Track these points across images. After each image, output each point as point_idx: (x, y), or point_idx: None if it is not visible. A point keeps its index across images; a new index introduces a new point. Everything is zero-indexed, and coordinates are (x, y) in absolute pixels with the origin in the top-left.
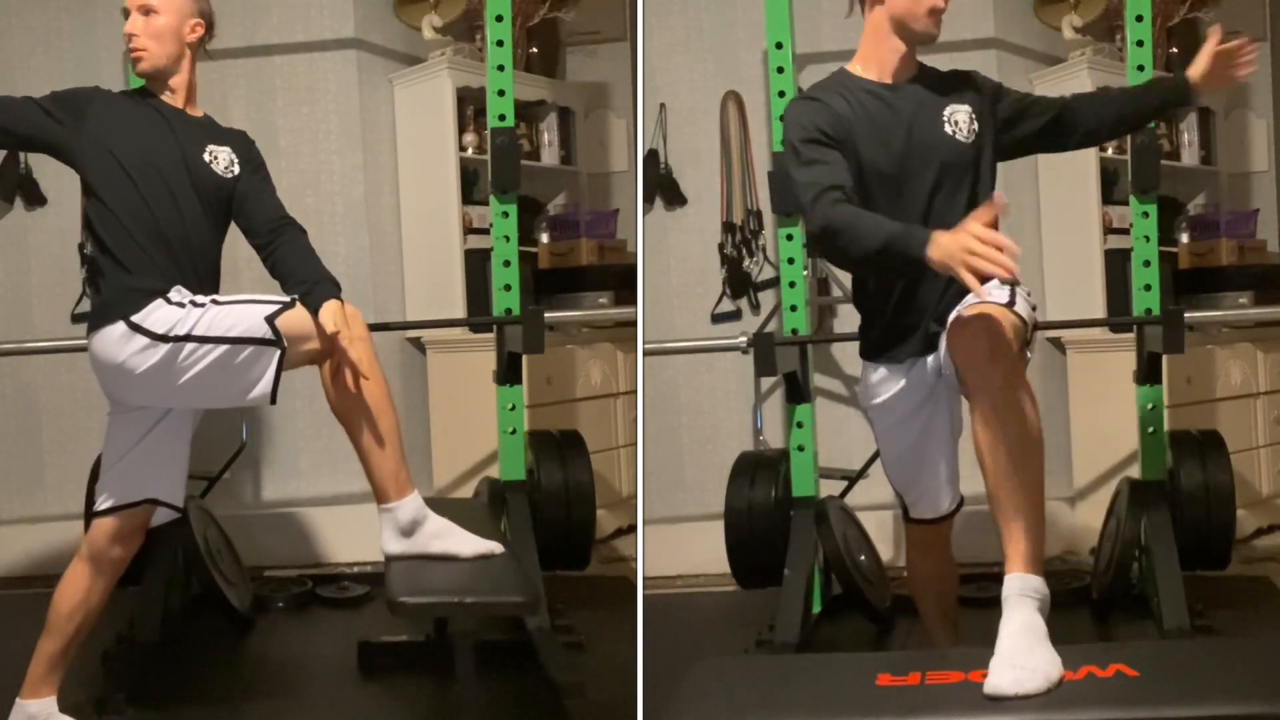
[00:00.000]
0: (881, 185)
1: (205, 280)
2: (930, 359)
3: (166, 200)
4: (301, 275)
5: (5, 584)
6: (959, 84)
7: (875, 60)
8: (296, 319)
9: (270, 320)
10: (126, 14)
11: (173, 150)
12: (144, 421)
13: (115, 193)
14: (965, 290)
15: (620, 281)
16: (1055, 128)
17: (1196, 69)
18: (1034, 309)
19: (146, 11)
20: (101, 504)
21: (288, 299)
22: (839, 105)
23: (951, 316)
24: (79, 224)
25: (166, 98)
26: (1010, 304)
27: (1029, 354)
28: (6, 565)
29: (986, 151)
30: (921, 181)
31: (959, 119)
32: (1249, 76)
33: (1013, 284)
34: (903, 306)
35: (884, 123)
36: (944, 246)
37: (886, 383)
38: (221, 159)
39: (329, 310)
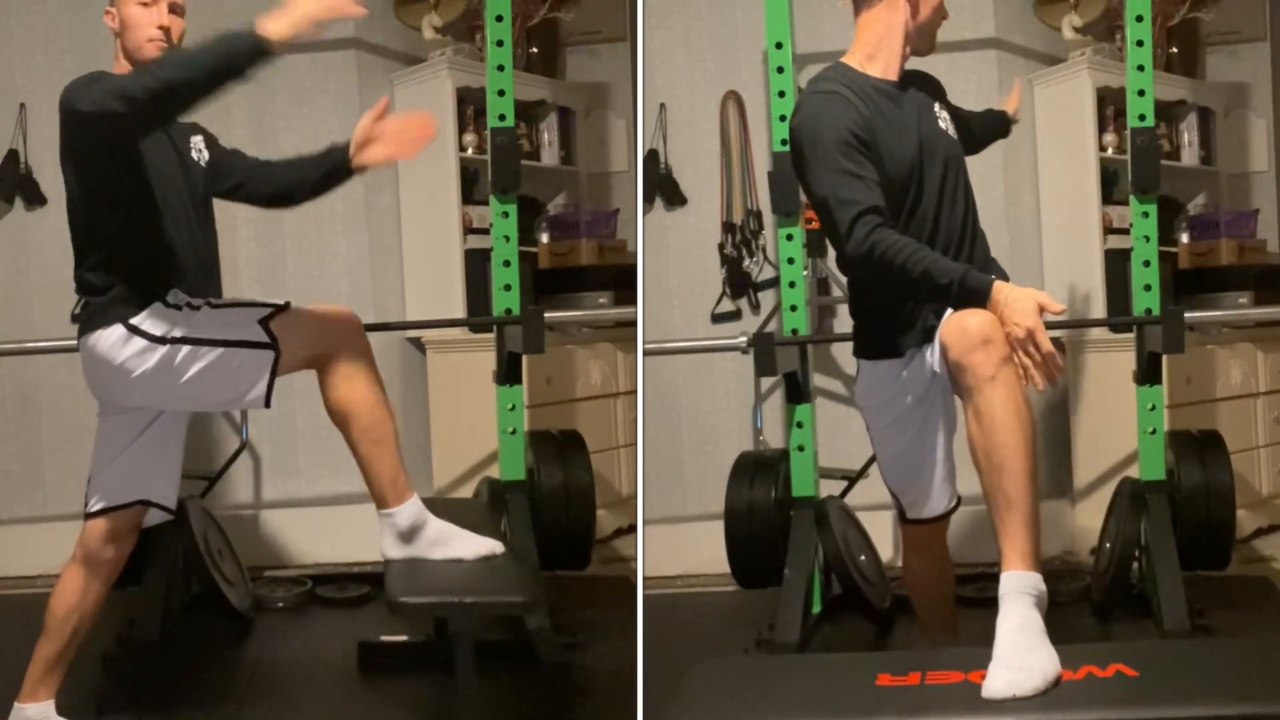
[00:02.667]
0: (903, 182)
1: (203, 281)
2: (927, 353)
3: (173, 202)
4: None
5: (5, 584)
6: (935, 85)
7: (883, 59)
8: (290, 323)
9: (264, 324)
10: (146, 4)
11: (170, 151)
12: (136, 422)
13: (133, 195)
14: None
15: (620, 281)
16: (988, 130)
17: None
18: None
19: (176, 10)
20: (93, 505)
21: (280, 302)
22: (860, 105)
23: (946, 314)
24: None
25: None
26: None
27: None
28: (6, 565)
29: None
30: (934, 177)
31: (946, 116)
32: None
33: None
34: (907, 304)
35: (897, 122)
36: (1011, 304)
37: (883, 381)
38: (196, 145)
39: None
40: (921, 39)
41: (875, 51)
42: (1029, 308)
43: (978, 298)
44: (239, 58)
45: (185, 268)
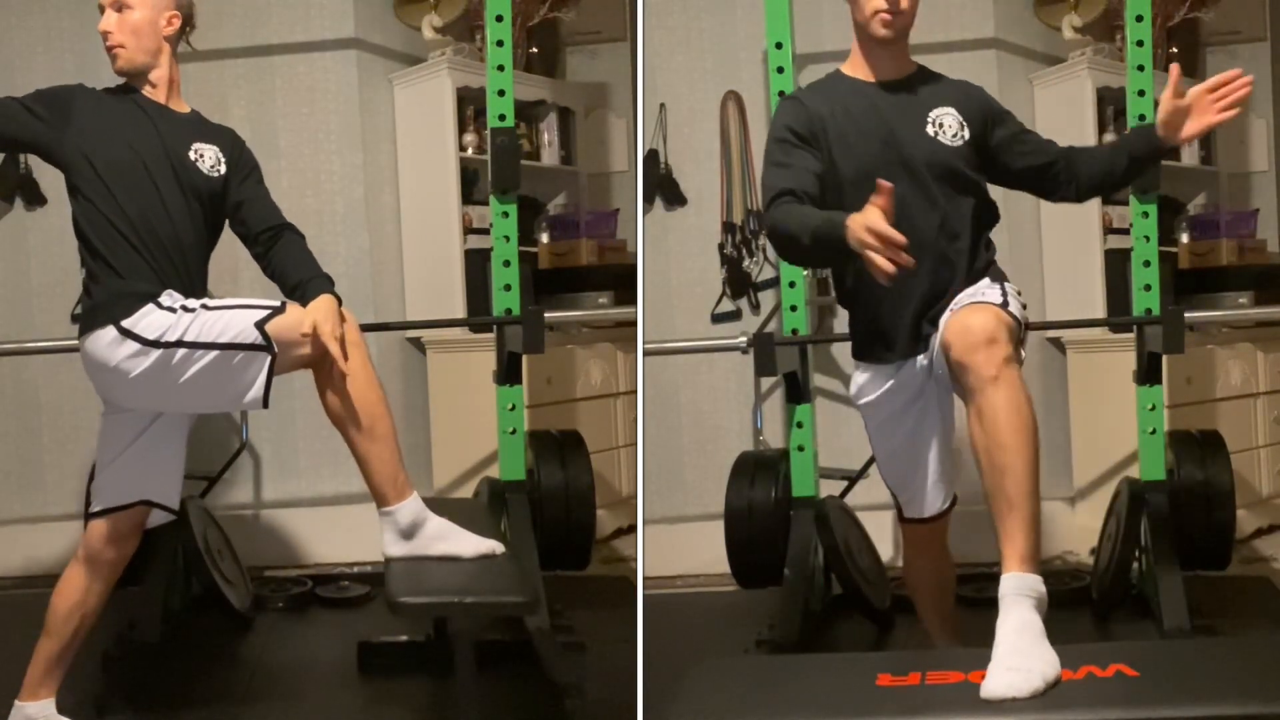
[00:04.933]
0: (856, 183)
1: (195, 282)
2: (920, 358)
3: (154, 200)
4: (297, 276)
5: (5, 584)
6: (953, 90)
7: (859, 60)
8: (287, 324)
9: (260, 325)
10: (102, 10)
11: (157, 148)
12: (139, 422)
13: (102, 194)
14: (948, 289)
15: (620, 281)
16: (1047, 174)
17: (1160, 115)
18: (1024, 307)
19: (120, 8)
20: (96, 505)
21: (277, 303)
22: (817, 105)
23: (945, 315)
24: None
25: (148, 92)
26: (1004, 305)
27: (1022, 354)
28: (6, 565)
29: (973, 159)
30: (898, 178)
31: (945, 121)
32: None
33: (1004, 283)
34: (882, 305)
35: (864, 122)
36: (851, 231)
37: (875, 381)
38: (208, 157)
39: (317, 304)
40: (863, 30)
41: (854, 55)
42: (864, 213)
43: (835, 235)
44: None
45: (175, 267)
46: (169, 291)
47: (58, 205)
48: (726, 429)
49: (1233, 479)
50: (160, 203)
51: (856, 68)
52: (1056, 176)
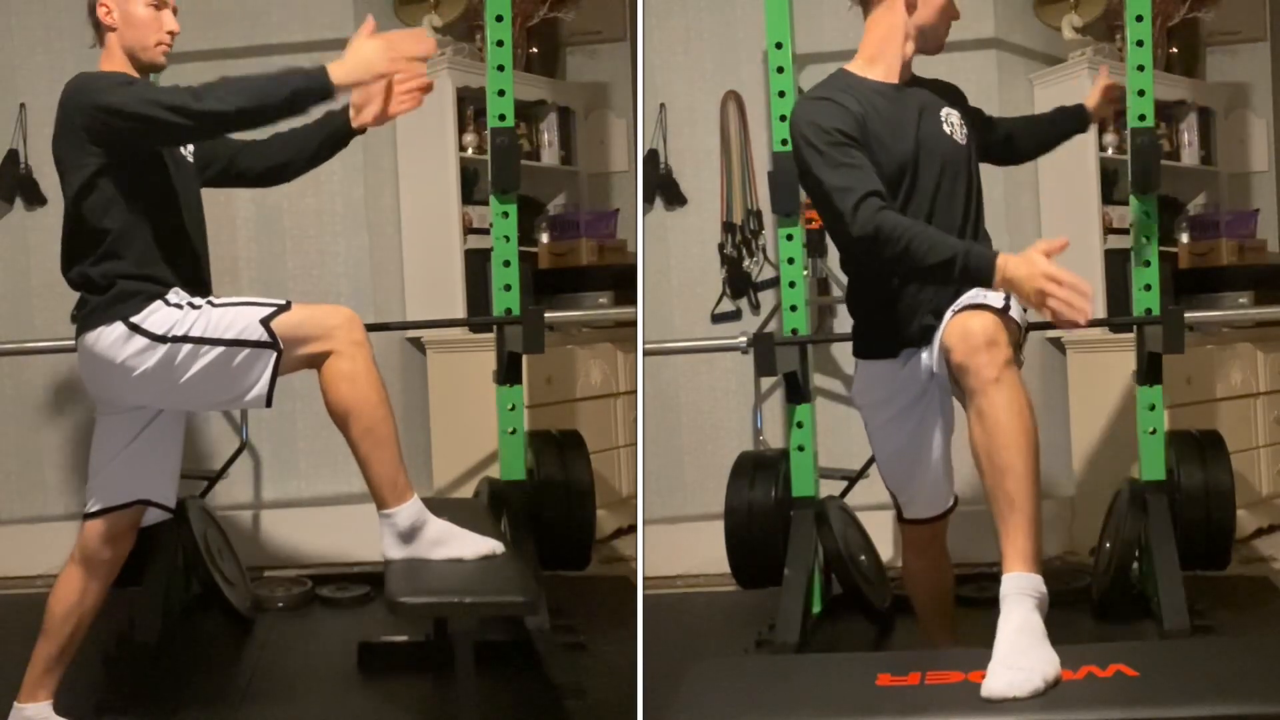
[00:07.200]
0: (895, 180)
1: (200, 280)
2: (924, 355)
3: (177, 200)
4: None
5: (5, 584)
6: (949, 91)
7: (884, 62)
8: (292, 321)
9: (265, 323)
10: (159, 9)
11: (170, 150)
12: (135, 423)
13: (147, 194)
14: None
15: (620, 281)
16: (1007, 146)
17: (1090, 100)
18: (1025, 311)
19: (175, 13)
20: (92, 506)
21: (282, 301)
22: (851, 105)
23: (946, 316)
24: None
25: None
26: (1005, 308)
27: (1021, 357)
28: (6, 565)
29: (975, 155)
30: (929, 176)
31: (954, 121)
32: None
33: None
34: (898, 300)
35: (894, 121)
36: (1016, 276)
37: (880, 380)
38: (185, 149)
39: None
40: (925, 39)
41: (877, 54)
42: (1034, 261)
43: (983, 274)
44: (307, 96)
45: (188, 266)
46: (175, 289)
47: (58, 205)
48: (726, 429)
49: (1233, 479)
50: (181, 203)
51: (873, 69)
52: (1011, 148)
